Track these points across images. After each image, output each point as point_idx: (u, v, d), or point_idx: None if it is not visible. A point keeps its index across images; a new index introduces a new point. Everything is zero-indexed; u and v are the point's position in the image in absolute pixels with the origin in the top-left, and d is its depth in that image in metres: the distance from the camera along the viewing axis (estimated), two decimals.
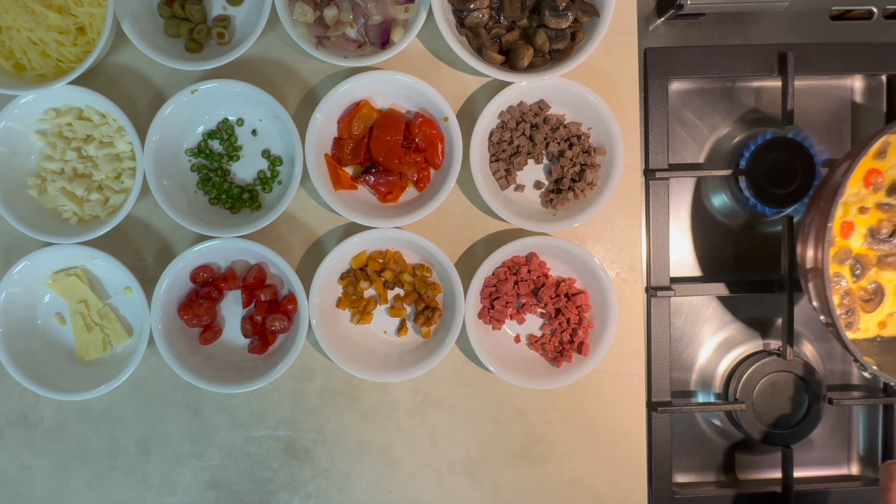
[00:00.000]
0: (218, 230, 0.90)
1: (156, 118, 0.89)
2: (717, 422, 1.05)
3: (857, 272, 0.89)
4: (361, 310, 0.95)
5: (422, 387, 0.97)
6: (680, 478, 1.04)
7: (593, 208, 0.92)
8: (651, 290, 0.99)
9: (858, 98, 1.03)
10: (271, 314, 0.94)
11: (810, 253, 0.86)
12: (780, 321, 1.01)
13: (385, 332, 0.97)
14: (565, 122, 0.95)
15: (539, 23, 0.91)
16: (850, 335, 0.89)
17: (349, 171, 0.95)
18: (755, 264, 1.03)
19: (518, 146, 0.95)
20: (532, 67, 0.92)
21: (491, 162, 0.96)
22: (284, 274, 0.92)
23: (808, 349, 1.05)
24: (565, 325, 0.95)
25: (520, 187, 0.97)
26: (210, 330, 0.95)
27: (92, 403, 0.96)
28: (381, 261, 0.95)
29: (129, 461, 0.97)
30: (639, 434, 0.98)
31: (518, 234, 0.95)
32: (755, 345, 1.04)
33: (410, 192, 0.96)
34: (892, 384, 0.91)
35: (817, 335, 1.05)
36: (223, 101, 0.93)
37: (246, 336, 0.96)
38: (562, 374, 0.94)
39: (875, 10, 1.03)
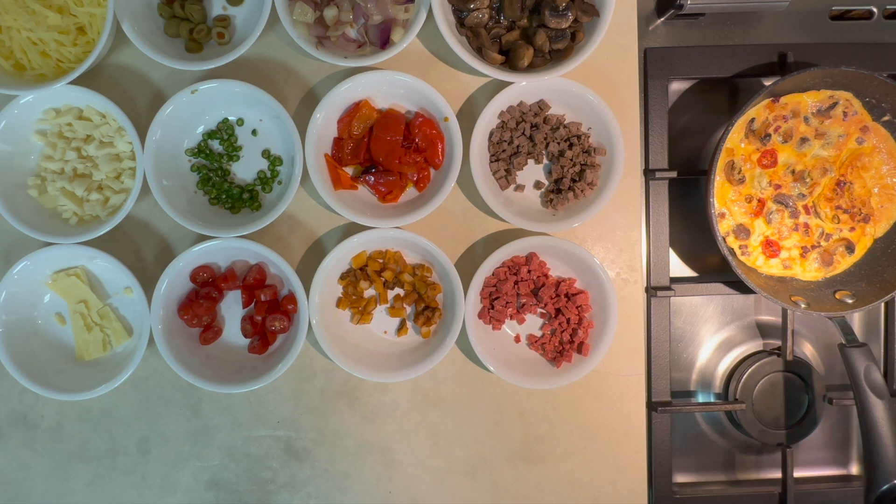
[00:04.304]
0: (218, 230, 0.90)
1: (156, 118, 0.89)
2: (717, 422, 1.05)
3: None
4: (361, 310, 0.95)
5: (422, 387, 0.97)
6: (680, 478, 1.04)
7: (593, 208, 0.92)
8: (651, 290, 0.99)
9: None
10: (271, 314, 0.94)
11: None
12: (780, 321, 1.01)
13: (385, 332, 0.97)
14: (565, 122, 0.95)
15: (539, 23, 0.91)
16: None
17: (349, 171, 0.95)
18: None
19: (518, 146, 0.95)
20: (532, 67, 0.92)
21: (491, 162, 0.96)
22: (284, 274, 0.92)
23: (808, 349, 1.05)
24: (565, 325, 0.95)
25: (520, 187, 0.97)
26: (210, 330, 0.95)
27: (92, 403, 0.96)
28: (381, 261, 0.95)
29: (129, 461, 0.97)
30: (639, 434, 0.98)
31: (518, 234, 0.95)
32: (755, 345, 1.04)
33: (410, 192, 0.96)
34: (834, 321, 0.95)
35: (817, 335, 1.05)
36: (223, 101, 0.93)
37: (246, 336, 0.96)
38: (562, 374, 0.94)
39: (875, 10, 1.03)
